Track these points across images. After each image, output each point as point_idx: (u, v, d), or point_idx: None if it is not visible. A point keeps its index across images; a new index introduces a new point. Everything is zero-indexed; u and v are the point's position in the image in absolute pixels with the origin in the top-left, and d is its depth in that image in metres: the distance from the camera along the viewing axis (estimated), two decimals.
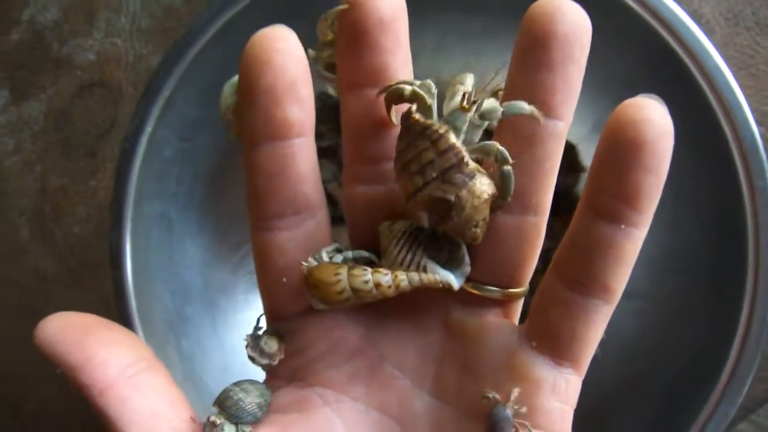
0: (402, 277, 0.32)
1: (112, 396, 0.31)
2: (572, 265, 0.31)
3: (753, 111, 0.56)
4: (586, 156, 0.55)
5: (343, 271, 0.32)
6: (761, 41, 0.58)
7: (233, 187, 0.55)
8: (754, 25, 0.58)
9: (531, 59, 0.30)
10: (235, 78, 0.34)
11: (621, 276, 0.31)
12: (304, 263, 0.32)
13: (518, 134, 0.31)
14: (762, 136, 0.56)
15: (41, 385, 0.64)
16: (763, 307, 0.46)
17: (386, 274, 0.32)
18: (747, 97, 0.56)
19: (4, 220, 0.64)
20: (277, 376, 0.35)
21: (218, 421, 0.32)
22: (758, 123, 0.56)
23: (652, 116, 0.28)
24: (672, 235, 0.53)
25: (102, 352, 0.31)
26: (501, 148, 0.30)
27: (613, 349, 0.55)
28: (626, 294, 0.53)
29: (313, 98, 0.31)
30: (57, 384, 0.64)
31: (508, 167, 0.30)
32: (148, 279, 0.51)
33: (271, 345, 0.34)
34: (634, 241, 0.30)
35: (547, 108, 0.30)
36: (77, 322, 0.32)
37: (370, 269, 0.32)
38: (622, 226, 0.29)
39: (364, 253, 0.33)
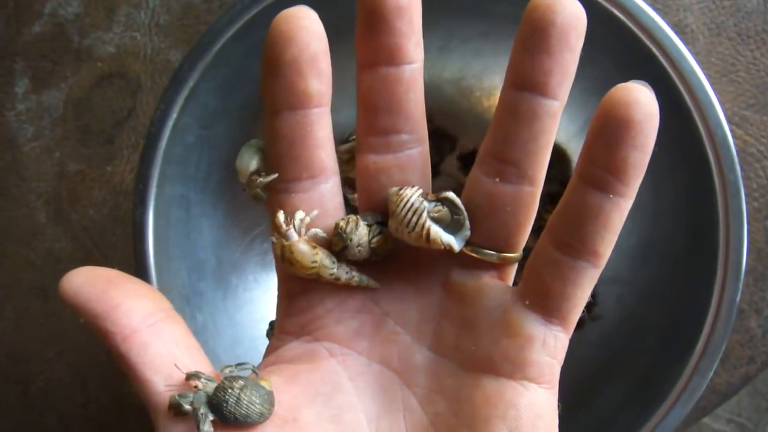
0: (356, 277, 0.36)
1: (134, 342, 0.33)
2: (564, 230, 0.33)
3: (733, 115, 0.59)
4: (576, 153, 0.58)
5: (318, 259, 0.35)
6: (742, 50, 0.60)
7: None
8: (736, 35, 0.61)
9: (531, 45, 0.32)
10: (252, 141, 0.36)
11: (607, 241, 0.33)
12: (274, 239, 0.35)
13: (517, 112, 0.33)
14: (740, 138, 0.60)
15: (50, 364, 0.66)
16: (732, 289, 0.49)
17: (347, 272, 0.36)
18: (727, 102, 0.59)
19: (21, 204, 0.66)
20: (288, 331, 0.38)
21: (201, 411, 0.33)
22: (737, 126, 0.59)
23: (641, 98, 0.31)
24: (651, 226, 0.56)
25: (126, 301, 0.34)
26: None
27: (597, 330, 0.58)
28: (609, 280, 0.57)
29: (331, 72, 0.34)
30: (65, 363, 0.66)
31: None
32: (167, 255, 0.54)
33: None
34: (620, 210, 0.32)
35: (544, 88, 0.33)
36: (102, 274, 0.34)
37: (336, 265, 0.36)
38: (611, 196, 0.32)
39: (378, 216, 0.36)
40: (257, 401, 0.33)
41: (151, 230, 0.52)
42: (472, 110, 0.62)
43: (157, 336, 0.34)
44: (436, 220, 0.35)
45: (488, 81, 0.61)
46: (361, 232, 0.36)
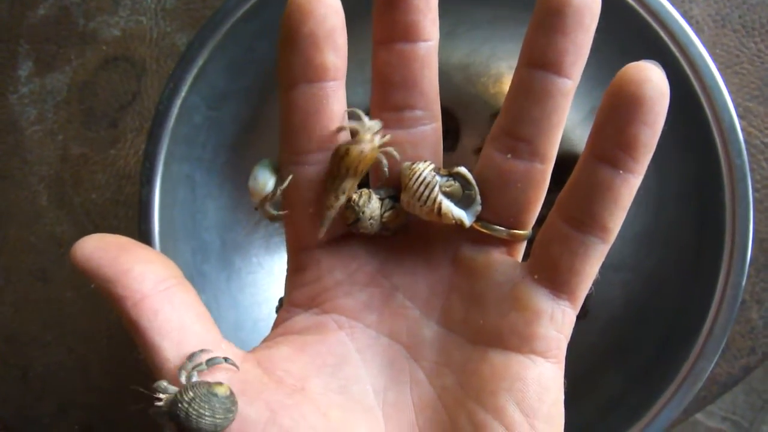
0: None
1: (145, 307, 0.33)
2: (574, 205, 0.34)
3: (737, 106, 0.59)
4: (581, 141, 0.59)
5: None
6: (746, 42, 0.61)
7: (252, 157, 0.58)
8: (740, 27, 0.61)
9: (546, 24, 0.33)
10: (264, 161, 0.37)
11: (617, 217, 0.33)
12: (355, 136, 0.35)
13: (530, 90, 0.34)
14: (744, 129, 0.60)
15: (50, 348, 0.66)
16: (737, 272, 0.49)
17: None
18: (731, 93, 0.59)
19: (23, 187, 0.65)
20: (296, 303, 0.38)
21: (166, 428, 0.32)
22: (741, 117, 0.60)
23: (652, 77, 0.31)
24: (657, 212, 0.56)
25: (138, 267, 0.34)
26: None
27: (602, 316, 0.58)
28: (615, 267, 0.57)
29: (346, 46, 0.34)
30: (65, 348, 0.65)
31: None
32: (171, 235, 0.53)
33: None
34: (630, 186, 0.33)
35: (557, 67, 0.33)
36: (114, 240, 0.34)
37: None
38: (620, 172, 0.32)
39: (390, 191, 0.37)
40: (207, 414, 0.31)
41: (156, 209, 0.52)
42: (480, 96, 0.62)
43: (167, 302, 0.34)
44: (448, 195, 0.35)
45: (495, 68, 0.62)
46: (373, 206, 0.36)
